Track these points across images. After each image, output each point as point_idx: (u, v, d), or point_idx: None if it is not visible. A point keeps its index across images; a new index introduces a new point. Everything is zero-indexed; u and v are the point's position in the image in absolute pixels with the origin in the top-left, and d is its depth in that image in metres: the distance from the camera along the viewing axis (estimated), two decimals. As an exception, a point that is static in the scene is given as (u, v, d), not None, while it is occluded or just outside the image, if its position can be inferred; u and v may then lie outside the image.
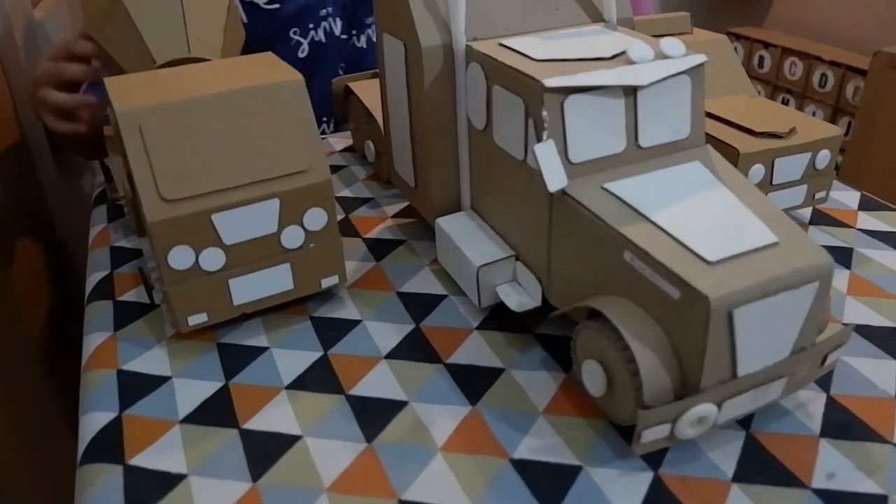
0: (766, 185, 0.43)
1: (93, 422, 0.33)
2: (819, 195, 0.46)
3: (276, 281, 0.37)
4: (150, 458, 0.31)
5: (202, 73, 0.37)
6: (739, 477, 0.30)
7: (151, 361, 0.37)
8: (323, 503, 0.29)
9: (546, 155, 0.32)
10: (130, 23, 0.43)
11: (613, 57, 0.34)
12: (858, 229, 0.47)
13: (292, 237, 0.36)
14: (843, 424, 0.32)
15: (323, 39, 0.73)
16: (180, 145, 0.33)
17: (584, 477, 0.30)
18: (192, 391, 0.35)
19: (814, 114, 1.23)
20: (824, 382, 0.34)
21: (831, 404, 0.33)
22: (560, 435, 0.32)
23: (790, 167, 0.43)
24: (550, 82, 0.31)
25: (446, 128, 0.40)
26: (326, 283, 0.39)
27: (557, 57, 0.34)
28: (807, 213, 0.49)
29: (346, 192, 0.53)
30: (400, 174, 0.46)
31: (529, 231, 0.36)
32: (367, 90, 0.55)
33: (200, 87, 0.35)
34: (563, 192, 0.32)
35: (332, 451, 0.31)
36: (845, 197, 0.51)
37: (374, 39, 0.87)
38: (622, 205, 0.31)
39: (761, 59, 1.38)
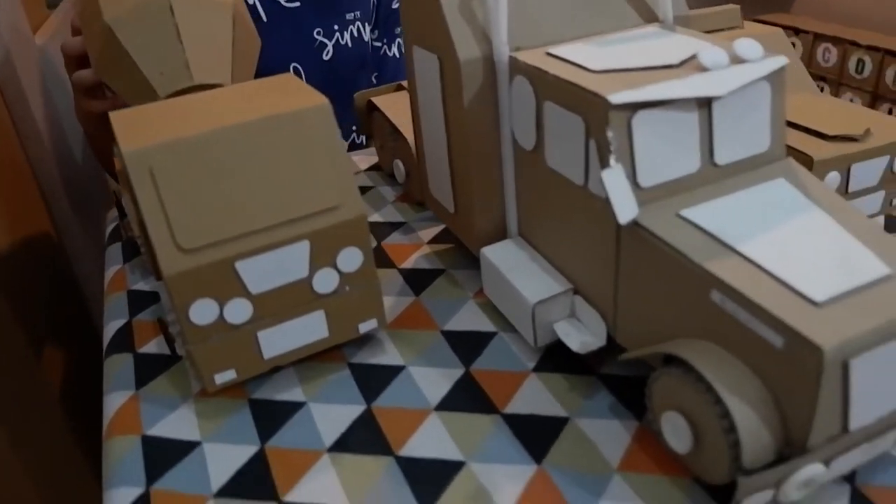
0: (842, 193, 0.39)
1: (118, 500, 0.30)
2: (898, 201, 0.41)
3: (309, 330, 0.33)
4: (181, 543, 0.28)
5: (215, 102, 0.33)
6: (853, 543, 0.26)
7: (178, 424, 0.33)
8: None
9: (615, 182, 0.28)
10: (126, 54, 0.39)
11: (681, 63, 0.30)
12: (943, 235, 0.43)
13: (325, 281, 0.33)
14: (964, 473, 0.28)
15: (349, 44, 0.70)
16: (197, 186, 0.30)
17: (674, 550, 0.26)
18: (224, 458, 0.31)
19: (851, 101, 1.18)
20: (935, 422, 0.30)
21: (946, 448, 0.29)
22: (640, 497, 0.28)
23: (867, 173, 0.39)
24: (616, 98, 0.27)
25: (489, 148, 0.36)
26: (364, 327, 0.35)
27: (618, 67, 0.30)
28: (880, 220, 0.45)
29: (375, 217, 0.50)
30: (437, 199, 0.42)
31: (591, 263, 0.32)
32: (392, 104, 0.51)
33: (215, 119, 0.31)
34: (633, 222, 0.28)
35: (385, 529, 0.28)
36: (921, 198, 0.47)
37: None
38: (704, 235, 0.27)
39: (792, 46, 1.33)
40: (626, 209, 0.28)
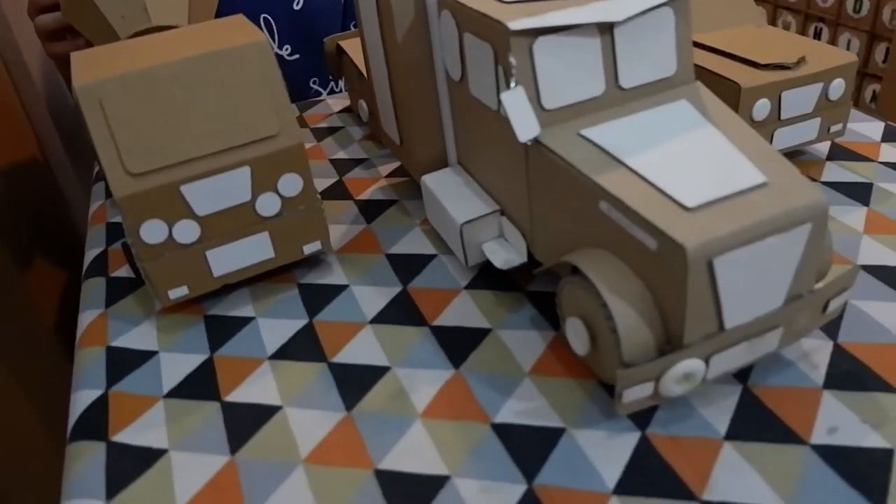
0: (774, 120, 0.40)
1: (81, 399, 0.34)
2: (835, 128, 0.43)
3: (255, 250, 0.36)
4: (132, 435, 0.31)
5: (166, 42, 0.36)
6: (733, 434, 0.28)
7: (140, 337, 0.37)
8: (299, 475, 0.28)
9: (514, 103, 0.30)
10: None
11: (588, -8, 0.32)
12: (880, 162, 0.44)
13: (268, 205, 0.35)
14: (849, 374, 0.30)
15: None
16: (144, 117, 0.33)
17: (566, 440, 0.29)
18: (177, 365, 0.35)
19: (849, 42, 1.15)
20: (832, 329, 0.32)
21: (838, 353, 0.31)
22: (545, 397, 0.31)
23: (800, 100, 0.40)
24: (515, 25, 0.29)
25: (425, 81, 0.38)
26: (309, 249, 0.38)
27: (528, -3, 0.32)
28: (825, 147, 0.46)
29: (341, 154, 0.52)
30: (387, 132, 0.44)
31: (510, 184, 0.34)
32: (358, 47, 0.53)
33: (162, 56, 0.33)
34: (536, 141, 0.30)
35: (310, 422, 0.31)
36: (868, 128, 0.48)
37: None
38: (598, 151, 0.29)
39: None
40: (525, 128, 0.30)
